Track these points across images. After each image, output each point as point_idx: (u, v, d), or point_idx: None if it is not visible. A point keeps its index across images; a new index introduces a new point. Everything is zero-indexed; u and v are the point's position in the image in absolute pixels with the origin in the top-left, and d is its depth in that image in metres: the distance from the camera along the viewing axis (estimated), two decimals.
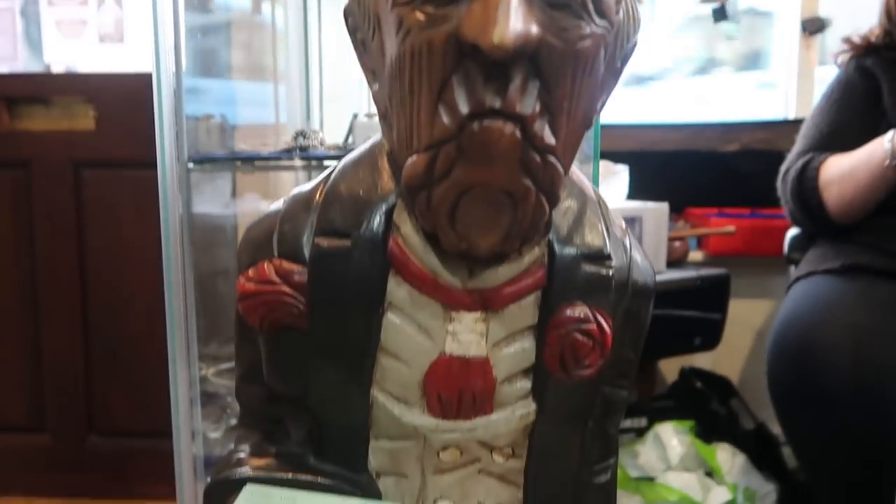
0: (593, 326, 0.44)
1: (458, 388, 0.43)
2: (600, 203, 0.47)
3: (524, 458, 0.46)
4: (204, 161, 0.95)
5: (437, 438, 0.44)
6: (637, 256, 0.47)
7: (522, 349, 0.44)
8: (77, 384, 1.74)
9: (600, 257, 0.44)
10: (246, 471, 0.45)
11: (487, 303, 0.43)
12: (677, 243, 1.78)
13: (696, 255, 1.92)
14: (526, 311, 0.44)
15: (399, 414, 0.44)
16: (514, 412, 0.44)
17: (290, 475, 0.44)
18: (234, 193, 1.61)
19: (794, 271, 1.44)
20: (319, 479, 0.44)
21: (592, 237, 0.45)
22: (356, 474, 0.46)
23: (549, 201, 0.40)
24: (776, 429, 1.75)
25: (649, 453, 1.59)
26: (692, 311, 1.68)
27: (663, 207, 1.55)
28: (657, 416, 1.66)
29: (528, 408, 0.45)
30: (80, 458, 1.77)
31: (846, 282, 1.24)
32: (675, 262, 1.80)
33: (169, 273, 0.95)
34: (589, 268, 0.44)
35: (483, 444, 0.45)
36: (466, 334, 0.43)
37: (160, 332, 1.68)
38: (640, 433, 1.68)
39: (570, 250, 0.44)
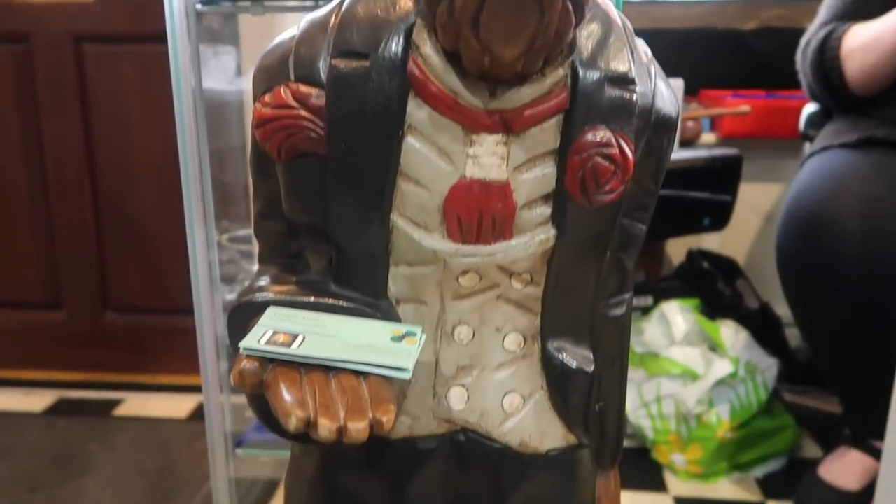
0: (615, 150, 0.43)
1: (477, 212, 0.43)
2: (625, 28, 0.45)
3: (542, 286, 0.46)
4: (212, 2, 0.91)
5: (456, 263, 0.45)
6: (661, 85, 0.46)
7: (543, 174, 0.44)
8: (90, 261, 1.77)
9: (624, 81, 0.43)
10: (268, 295, 0.46)
11: (508, 124, 0.42)
12: (690, 123, 1.75)
13: (708, 138, 1.90)
14: (547, 134, 0.43)
15: (419, 239, 0.44)
16: (533, 238, 0.44)
17: (311, 299, 0.45)
18: (238, 71, 1.58)
19: (808, 148, 1.43)
20: (341, 303, 0.45)
21: (617, 61, 0.43)
22: (376, 300, 0.46)
23: (575, 11, 0.39)
24: (780, 310, 1.78)
25: (654, 330, 1.62)
26: (703, 192, 1.67)
27: (678, 83, 1.51)
28: (663, 295, 1.68)
29: (548, 233, 0.45)
30: (96, 334, 1.81)
31: (861, 154, 1.22)
32: (687, 142, 1.78)
33: (183, 144, 0.93)
34: (613, 91, 0.43)
35: (502, 269, 0.45)
36: (487, 157, 0.43)
37: (170, 207, 1.69)
38: (646, 311, 1.70)
39: (593, 73, 0.43)
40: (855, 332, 1.23)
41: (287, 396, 0.38)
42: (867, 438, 1.34)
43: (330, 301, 0.45)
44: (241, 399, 0.90)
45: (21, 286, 1.81)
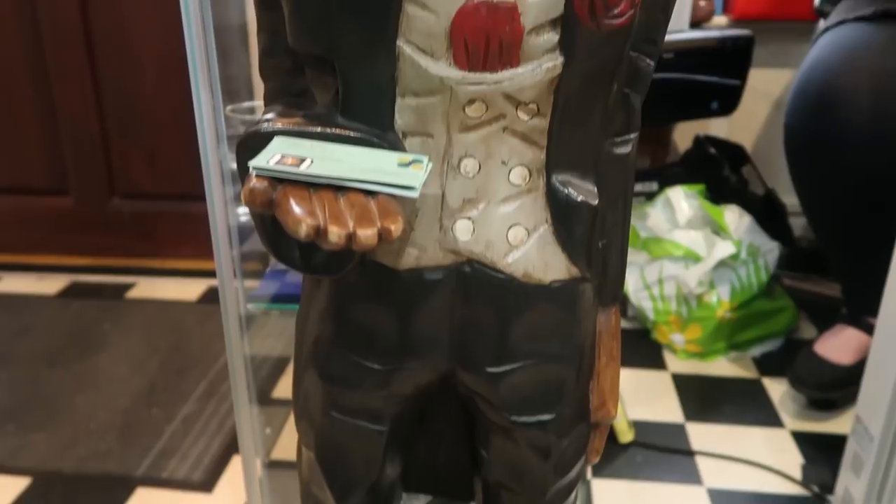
0: None
1: (484, 35, 0.43)
2: None
3: (548, 117, 0.47)
4: None
5: (463, 91, 0.45)
6: None
7: None
8: (94, 146, 1.76)
9: None
10: (275, 125, 0.46)
11: None
12: (702, 2, 1.70)
13: (720, 21, 1.85)
14: None
15: (425, 66, 0.44)
16: (540, 65, 0.44)
17: (319, 129, 0.45)
18: None
19: (822, 24, 1.39)
20: (349, 133, 0.45)
21: None
22: (383, 133, 0.46)
23: None
24: (786, 199, 1.78)
25: (658, 215, 1.63)
26: (712, 75, 1.64)
27: None
28: (668, 181, 1.68)
29: (555, 61, 0.44)
30: (103, 219, 1.83)
31: (877, 28, 1.19)
32: (698, 22, 1.73)
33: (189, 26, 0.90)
34: None
35: (509, 98, 0.45)
36: None
37: (172, 92, 1.68)
38: (651, 197, 1.71)
39: None
40: (859, 209, 1.24)
41: (297, 209, 0.38)
42: (863, 316, 1.37)
43: (337, 130, 0.45)
44: (253, 283, 0.92)
45: (27, 172, 1.82)
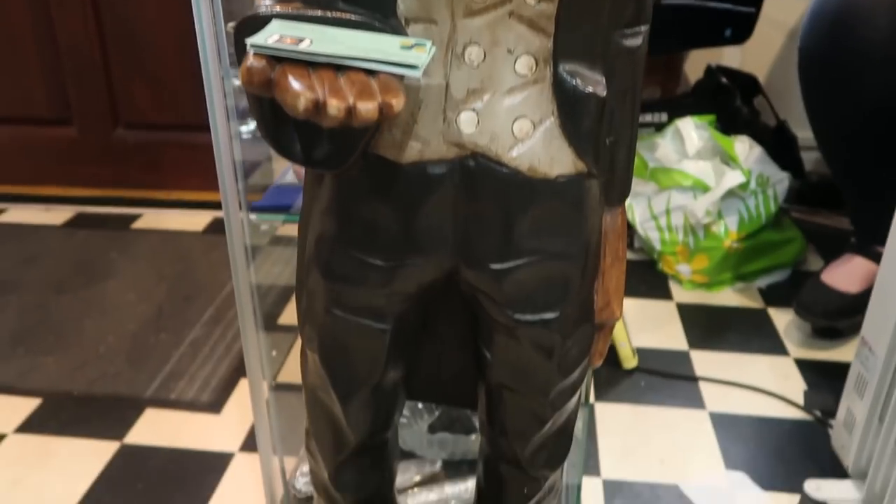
0: None
1: None
2: None
3: (556, 3, 0.45)
4: None
5: None
6: None
7: None
8: (97, 75, 1.74)
9: None
10: (274, 9, 0.44)
11: None
12: None
13: None
14: None
15: None
16: None
17: (319, 13, 0.44)
18: None
19: None
20: (350, 17, 0.44)
21: None
22: (385, 18, 0.45)
23: None
24: (798, 131, 1.75)
25: (667, 146, 1.60)
26: (726, 1, 1.60)
27: None
28: (678, 111, 1.65)
29: None
30: (108, 150, 1.82)
31: None
32: None
33: None
34: None
35: None
36: None
37: (175, 17, 1.65)
38: (660, 128, 1.68)
39: None
40: (872, 134, 1.22)
41: (296, 84, 0.37)
42: (872, 244, 1.36)
43: (338, 14, 0.44)
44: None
45: (29, 102, 1.80)
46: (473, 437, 0.96)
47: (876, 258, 1.35)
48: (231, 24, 0.96)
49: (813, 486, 0.99)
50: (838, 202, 1.78)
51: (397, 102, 0.37)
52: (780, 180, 1.56)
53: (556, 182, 0.49)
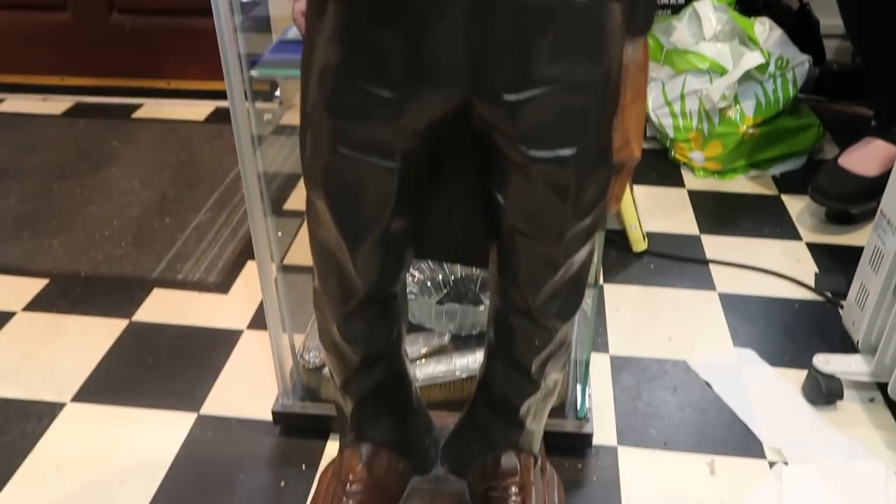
0: None
1: None
2: None
3: None
4: None
5: None
6: None
7: None
8: None
9: None
10: None
11: None
12: None
13: None
14: None
15: None
16: None
17: None
18: None
19: None
20: None
21: None
22: None
23: None
24: (821, 17, 1.68)
25: (684, 29, 1.54)
26: None
27: None
28: None
29: None
30: (104, 36, 1.76)
31: None
32: None
33: None
34: None
35: None
36: None
37: None
38: (676, 10, 1.61)
39: None
40: None
41: None
42: (894, 126, 1.32)
43: None
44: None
45: None
46: (482, 308, 0.95)
47: (895, 140, 1.32)
48: None
49: (822, 360, 0.98)
50: (858, 92, 1.73)
51: None
52: (801, 63, 1.50)
53: (577, 3, 0.45)
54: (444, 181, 0.59)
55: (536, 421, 0.69)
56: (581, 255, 0.57)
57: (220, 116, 1.69)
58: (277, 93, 1.76)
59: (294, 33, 0.74)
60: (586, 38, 0.47)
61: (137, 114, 1.71)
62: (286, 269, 0.89)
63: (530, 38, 0.46)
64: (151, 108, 1.73)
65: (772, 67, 1.47)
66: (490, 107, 0.49)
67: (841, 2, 1.27)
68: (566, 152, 0.50)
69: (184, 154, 1.53)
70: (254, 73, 0.69)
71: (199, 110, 1.72)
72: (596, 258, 0.67)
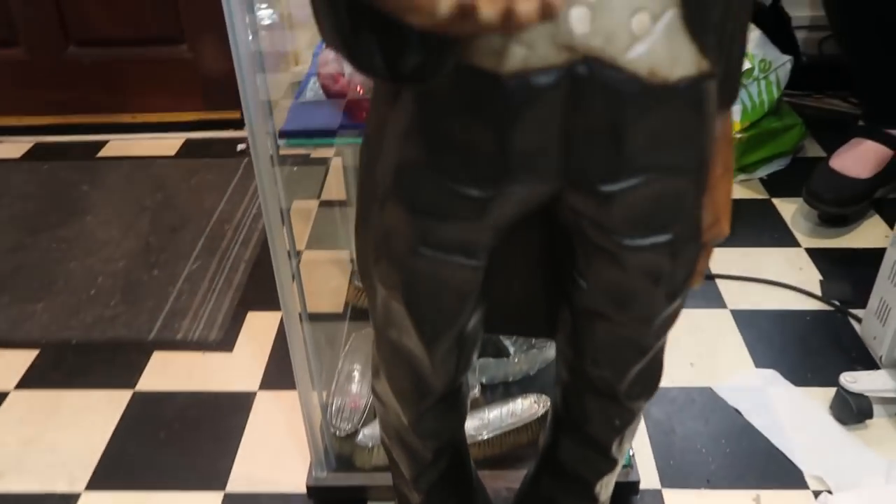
0: None
1: None
2: None
3: None
4: None
5: None
6: None
7: None
8: None
9: None
10: None
11: None
12: None
13: None
14: None
15: None
16: None
17: None
18: None
19: None
20: None
21: None
22: None
23: None
24: (792, 10, 1.69)
25: None
26: None
27: None
28: None
29: None
30: (62, 72, 1.67)
31: None
32: None
33: None
34: None
35: None
36: None
37: None
38: None
39: None
40: (891, 16, 1.16)
41: None
42: (882, 128, 1.33)
43: None
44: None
45: None
46: (516, 359, 0.92)
47: (886, 141, 1.33)
48: None
49: (849, 379, 0.98)
50: (831, 84, 1.75)
51: (561, 1, 0.29)
52: (783, 64, 1.50)
53: (677, 87, 0.42)
54: (506, 255, 0.55)
55: (608, 490, 0.66)
56: (668, 334, 0.54)
57: (193, 149, 1.62)
58: None
59: (312, 94, 0.70)
60: (684, 122, 0.44)
61: (103, 152, 1.63)
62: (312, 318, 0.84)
63: (627, 126, 0.43)
64: (118, 145, 1.65)
65: (756, 71, 1.46)
66: (584, 198, 0.45)
67: (826, 3, 1.27)
68: (662, 238, 0.47)
69: (161, 195, 1.46)
70: (280, 143, 0.64)
71: (168, 144, 1.64)
72: None
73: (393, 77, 0.40)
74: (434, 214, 0.46)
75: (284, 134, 0.64)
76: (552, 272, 0.55)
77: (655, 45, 0.41)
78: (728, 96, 0.48)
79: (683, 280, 0.50)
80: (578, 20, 0.40)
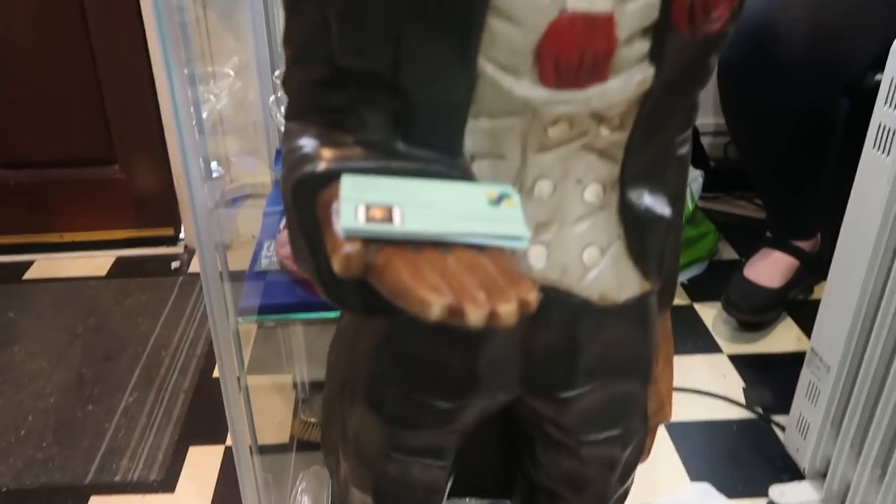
0: None
1: (578, 51, 0.38)
2: None
3: (629, 131, 0.43)
4: None
5: (548, 112, 0.40)
6: None
7: (647, 4, 0.38)
8: None
9: None
10: (327, 165, 0.39)
11: None
12: None
13: None
14: None
15: (509, 87, 0.39)
16: (630, 78, 0.40)
17: (394, 164, 0.39)
18: None
19: None
20: (421, 166, 0.40)
21: None
22: (452, 159, 0.41)
23: None
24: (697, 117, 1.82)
25: None
26: None
27: None
28: None
29: (646, 73, 0.40)
30: None
31: None
32: None
33: None
34: None
35: (594, 115, 0.41)
36: None
37: (51, 43, 1.48)
38: None
39: None
40: (793, 141, 1.27)
41: (413, 281, 0.33)
42: (789, 240, 1.43)
43: (411, 165, 0.39)
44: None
45: None
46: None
47: (793, 252, 1.44)
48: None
49: (778, 493, 1.04)
50: (738, 185, 1.88)
51: (533, 299, 0.33)
52: (695, 178, 1.62)
53: (624, 306, 0.47)
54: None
55: None
56: None
57: (124, 269, 1.60)
58: (182, 235, 1.69)
59: (267, 265, 0.72)
60: (632, 334, 0.49)
61: (30, 273, 1.59)
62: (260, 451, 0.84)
63: (582, 342, 0.47)
64: (44, 266, 1.62)
65: None
66: (543, 402, 0.49)
67: (735, 131, 1.38)
68: (615, 432, 0.51)
69: (92, 320, 1.43)
70: (239, 319, 0.66)
71: (98, 263, 1.62)
72: None
73: (369, 313, 0.43)
74: (404, 424, 0.49)
75: (243, 311, 0.66)
76: (508, 441, 0.59)
77: (604, 273, 0.46)
78: (665, 300, 0.53)
79: (634, 462, 0.54)
80: (536, 257, 0.44)
